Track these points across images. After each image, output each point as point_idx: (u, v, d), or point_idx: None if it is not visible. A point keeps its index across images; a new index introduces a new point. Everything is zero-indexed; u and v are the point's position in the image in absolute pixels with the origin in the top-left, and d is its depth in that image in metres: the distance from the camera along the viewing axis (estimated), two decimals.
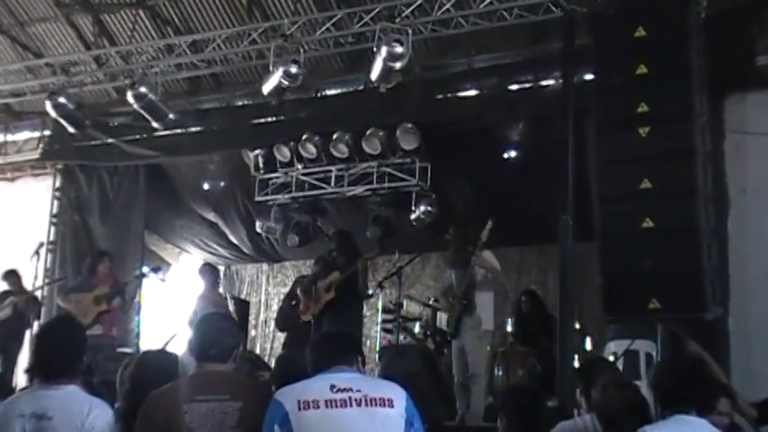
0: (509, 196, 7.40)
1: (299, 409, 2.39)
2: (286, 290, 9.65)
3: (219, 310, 6.61)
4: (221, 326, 2.88)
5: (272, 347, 9.46)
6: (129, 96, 7.44)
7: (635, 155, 4.93)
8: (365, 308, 8.16)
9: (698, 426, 2.66)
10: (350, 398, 2.43)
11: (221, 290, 7.71)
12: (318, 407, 2.40)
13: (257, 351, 9.28)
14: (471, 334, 5.62)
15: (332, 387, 2.45)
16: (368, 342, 8.72)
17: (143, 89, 7.39)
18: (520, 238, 8.03)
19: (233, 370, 2.81)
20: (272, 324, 9.57)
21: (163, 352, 3.54)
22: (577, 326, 6.09)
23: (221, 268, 9.69)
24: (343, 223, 8.40)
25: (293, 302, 7.13)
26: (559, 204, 5.33)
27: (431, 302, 7.66)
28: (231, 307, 7.03)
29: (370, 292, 6.74)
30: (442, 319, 6.33)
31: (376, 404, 2.43)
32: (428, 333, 7.28)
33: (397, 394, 2.51)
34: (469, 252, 5.59)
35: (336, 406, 2.42)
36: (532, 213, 7.42)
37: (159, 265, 8.00)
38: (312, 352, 2.74)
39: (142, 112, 7.56)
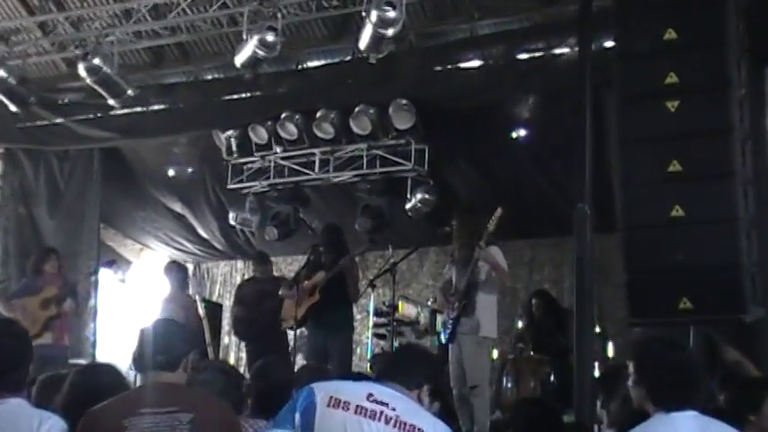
0: (518, 182, 7.39)
1: (329, 404, 2.48)
2: None
3: (188, 314, 6.60)
4: (170, 330, 2.89)
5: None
6: (81, 69, 7.37)
7: (663, 133, 4.89)
8: (354, 310, 8.15)
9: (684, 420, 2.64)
10: (382, 412, 2.50)
11: (190, 291, 7.69)
12: (348, 409, 2.49)
13: (231, 361, 9.26)
14: (469, 338, 5.61)
15: (369, 395, 2.52)
16: (358, 349, 8.70)
17: (97, 61, 7.32)
18: (531, 230, 8.05)
19: (187, 380, 2.81)
20: None
21: (101, 366, 3.47)
22: (597, 330, 6.08)
23: (189, 266, 9.65)
24: (328, 214, 8.39)
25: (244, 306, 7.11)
26: (576, 191, 5.27)
27: (429, 304, 7.64)
28: (201, 311, 6.99)
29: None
30: None
31: (405, 429, 2.49)
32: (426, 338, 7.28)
33: (432, 429, 2.56)
34: (474, 246, 5.55)
35: (365, 415, 2.49)
36: (545, 201, 7.42)
37: (114, 259, 7.95)
38: (379, 359, 2.82)
39: (96, 87, 7.51)
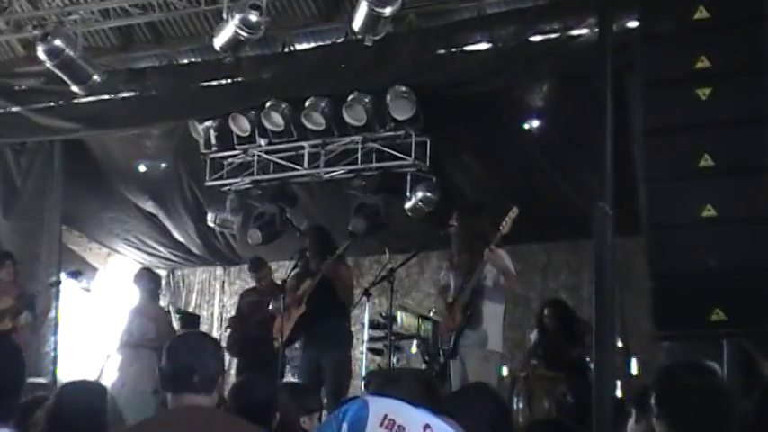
0: (530, 178, 7.40)
1: (381, 424, 2.46)
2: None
3: (160, 327, 6.58)
4: (203, 346, 2.83)
5: (227, 373, 9.46)
6: (41, 52, 7.35)
7: (692, 123, 4.87)
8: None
9: None
10: None
11: (162, 302, 7.67)
12: None
13: None
14: (475, 353, 5.59)
15: (426, 426, 2.50)
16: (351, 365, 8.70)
17: (58, 42, 7.30)
18: (545, 232, 8.06)
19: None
20: None
21: (87, 383, 3.49)
22: (619, 343, 6.06)
23: (162, 273, 9.63)
24: (318, 214, 8.39)
25: (241, 319, 7.12)
26: (595, 187, 5.27)
27: (431, 314, 7.64)
28: (175, 323, 6.99)
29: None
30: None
31: None
32: (428, 355, 7.26)
33: None
34: (478, 249, 5.53)
35: None
36: (561, 200, 7.43)
37: (80, 270, 7.94)
38: (375, 377, 2.79)
39: (57, 72, 7.48)
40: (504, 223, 5.52)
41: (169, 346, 2.84)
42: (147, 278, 7.34)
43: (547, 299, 7.52)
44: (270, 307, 7.04)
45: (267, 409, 3.53)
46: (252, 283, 7.68)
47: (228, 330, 7.64)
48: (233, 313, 7.97)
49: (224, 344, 7.06)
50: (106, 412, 3.10)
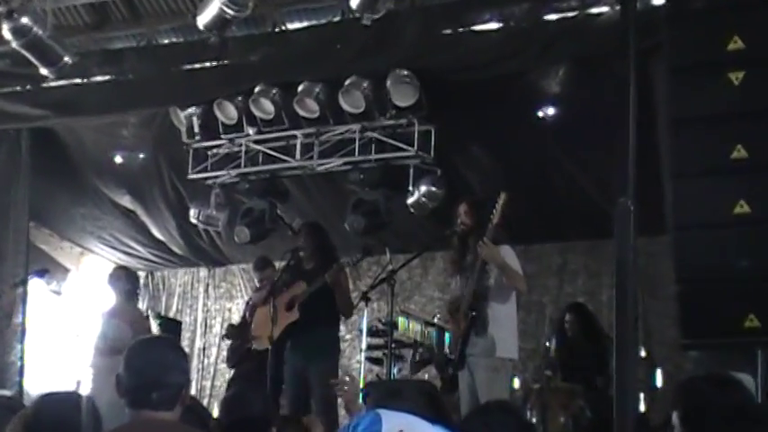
0: (545, 172, 7.40)
1: None
2: (233, 305, 9.74)
3: (137, 333, 6.57)
4: (166, 357, 2.84)
5: (212, 386, 9.48)
6: (6, 31, 7.33)
7: (724, 111, 4.88)
8: (343, 328, 8.13)
9: None
10: None
11: (141, 305, 7.67)
12: None
13: (193, 391, 9.25)
14: (483, 362, 5.57)
15: None
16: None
17: (26, 21, 7.28)
18: (561, 232, 8.08)
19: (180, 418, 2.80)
20: (214, 353, 9.54)
21: (66, 395, 3.50)
22: (643, 354, 6.07)
23: (141, 275, 9.61)
24: (312, 210, 8.38)
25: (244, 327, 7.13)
26: (616, 182, 5.27)
27: (435, 320, 7.63)
28: (155, 329, 6.97)
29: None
30: None
31: None
32: (433, 364, 7.27)
33: None
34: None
35: None
36: (578, 195, 7.43)
37: (47, 268, 7.93)
38: (374, 389, 2.76)
39: (25, 53, 7.45)
40: (493, 213, 5.47)
41: (129, 357, 2.85)
42: (124, 278, 7.30)
43: (568, 303, 7.52)
44: (249, 302, 7.04)
45: (263, 425, 3.53)
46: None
47: (228, 341, 7.62)
48: (234, 320, 7.97)
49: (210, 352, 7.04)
50: (89, 427, 3.09)
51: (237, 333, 7.37)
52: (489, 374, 5.56)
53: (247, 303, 7.70)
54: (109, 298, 7.22)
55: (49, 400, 3.35)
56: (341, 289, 6.39)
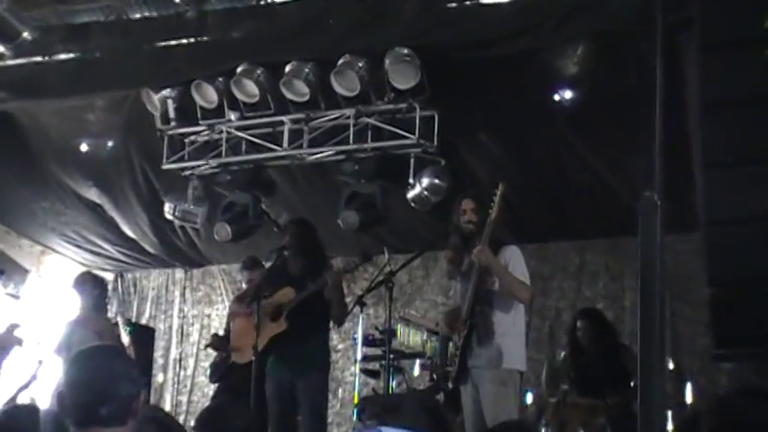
0: (561, 162, 7.40)
1: None
2: (212, 311, 9.74)
3: (105, 342, 6.58)
4: (113, 367, 2.86)
5: (189, 401, 9.51)
6: None
7: (761, 93, 4.88)
8: (335, 337, 8.12)
9: None
10: None
11: (109, 311, 7.65)
12: None
13: (167, 407, 9.25)
14: (488, 374, 5.56)
15: None
16: (340, 390, 8.71)
17: None
18: (579, 228, 8.10)
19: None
20: (191, 365, 9.55)
21: (19, 408, 3.52)
22: (671, 365, 6.06)
23: (109, 277, 9.63)
24: (301, 205, 8.38)
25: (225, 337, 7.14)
26: (641, 173, 5.27)
27: (438, 328, 7.63)
28: (125, 338, 6.97)
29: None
30: None
31: None
32: (435, 377, 7.27)
33: None
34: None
35: None
36: (598, 188, 7.43)
37: (3, 269, 7.92)
38: (370, 404, 2.79)
39: None
40: (491, 207, 5.45)
41: (70, 369, 2.86)
42: (91, 283, 7.35)
43: (579, 309, 7.52)
44: (230, 310, 7.03)
45: None
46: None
47: (211, 350, 7.63)
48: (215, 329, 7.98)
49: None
50: None
51: (222, 344, 7.37)
52: (496, 388, 5.55)
53: (231, 307, 7.69)
54: (74, 304, 7.22)
55: (8, 414, 3.37)
56: (337, 295, 6.38)
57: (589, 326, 6.96)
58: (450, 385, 5.79)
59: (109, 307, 7.71)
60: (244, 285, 7.65)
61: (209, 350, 7.91)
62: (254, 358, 6.33)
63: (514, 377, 5.62)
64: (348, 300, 6.92)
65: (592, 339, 6.90)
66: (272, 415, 6.43)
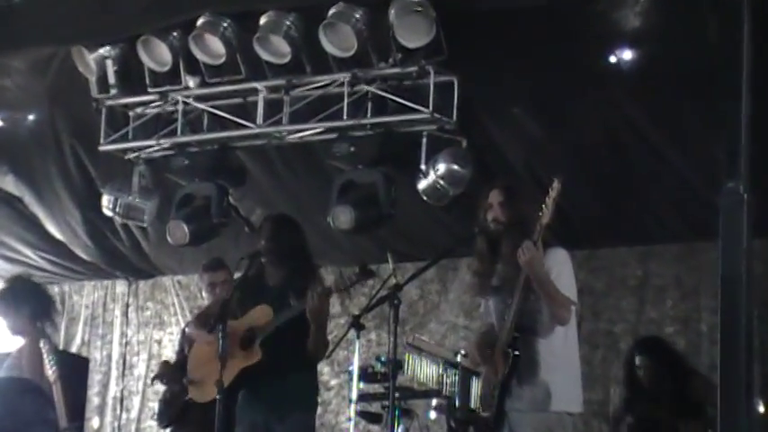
0: (619, 144, 7.41)
1: None
2: (163, 335, 9.77)
3: (18, 375, 6.61)
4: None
5: None
6: None
7: None
8: (326, 370, 8.13)
9: None
10: None
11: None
12: None
13: None
14: (532, 419, 5.57)
15: None
16: None
17: None
18: (641, 231, 8.12)
19: None
20: (137, 405, 9.57)
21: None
22: (761, 408, 6.06)
23: None
24: (280, 198, 8.39)
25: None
26: (722, 160, 5.28)
27: (459, 358, 7.66)
28: (49, 370, 6.96)
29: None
30: None
31: None
32: (453, 424, 7.29)
33: None
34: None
35: None
36: (666, 179, 7.43)
37: None
38: None
39: None
40: (544, 207, 5.46)
41: None
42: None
43: (639, 338, 7.54)
44: (186, 330, 7.03)
45: None
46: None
47: (158, 385, 7.66)
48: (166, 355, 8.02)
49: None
50: None
51: (174, 376, 7.39)
52: None
53: (183, 331, 7.71)
54: None
55: None
56: (319, 317, 6.36)
57: (651, 364, 6.96)
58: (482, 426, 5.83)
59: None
60: (204, 296, 7.62)
61: (158, 384, 7.92)
62: (218, 396, 6.33)
63: (565, 422, 5.62)
64: (342, 321, 6.93)
65: (655, 377, 6.91)
66: None
